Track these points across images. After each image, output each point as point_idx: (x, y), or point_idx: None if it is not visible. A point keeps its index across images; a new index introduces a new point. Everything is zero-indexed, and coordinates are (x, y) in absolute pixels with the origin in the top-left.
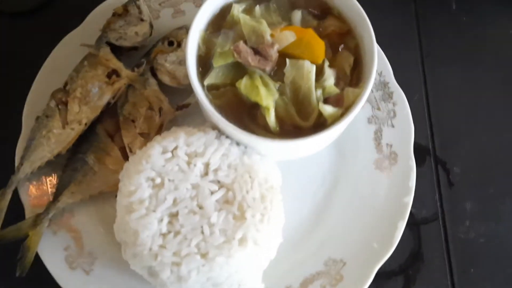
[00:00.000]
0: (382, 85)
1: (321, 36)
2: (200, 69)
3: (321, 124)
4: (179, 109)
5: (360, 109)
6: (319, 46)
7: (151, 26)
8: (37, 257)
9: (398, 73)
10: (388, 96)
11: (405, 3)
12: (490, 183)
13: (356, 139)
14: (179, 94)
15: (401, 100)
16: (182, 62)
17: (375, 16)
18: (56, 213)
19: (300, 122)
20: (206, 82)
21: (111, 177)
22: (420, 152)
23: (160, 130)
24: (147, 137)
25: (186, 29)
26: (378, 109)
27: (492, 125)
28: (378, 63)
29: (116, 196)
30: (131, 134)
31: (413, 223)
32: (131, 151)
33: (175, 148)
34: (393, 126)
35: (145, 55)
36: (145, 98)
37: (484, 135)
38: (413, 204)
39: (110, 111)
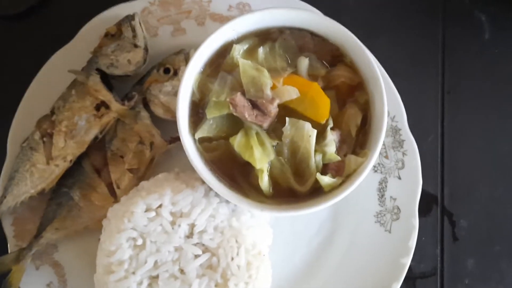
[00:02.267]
0: (394, 131)
1: (329, 86)
2: (192, 118)
3: (318, 190)
4: (172, 142)
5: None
6: (324, 104)
7: (146, 51)
8: None
9: (414, 108)
10: (398, 144)
11: (431, 27)
12: (497, 241)
13: (359, 186)
14: (173, 125)
15: (412, 150)
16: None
17: (395, 39)
18: (40, 248)
19: (296, 186)
20: (197, 136)
21: (97, 213)
22: (427, 200)
23: (150, 164)
24: (136, 172)
25: (184, 54)
26: (386, 157)
27: (509, 178)
28: (392, 105)
29: (99, 239)
30: (119, 170)
31: (409, 277)
32: (118, 187)
33: (160, 206)
34: (399, 178)
35: (137, 83)
36: (135, 132)
37: (498, 188)
38: (412, 256)
39: (97, 145)
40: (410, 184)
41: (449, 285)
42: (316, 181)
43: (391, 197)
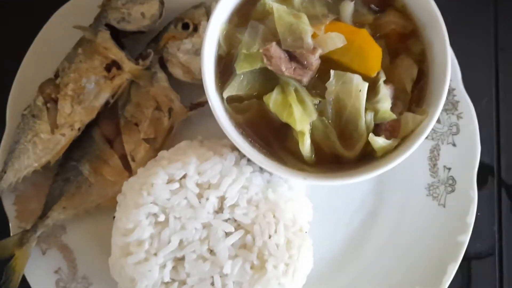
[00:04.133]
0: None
1: (378, 35)
2: (219, 74)
3: (368, 155)
4: (193, 109)
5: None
6: (375, 54)
7: (162, 3)
8: (24, 280)
9: (464, 69)
10: (452, 106)
11: None
12: None
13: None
14: (193, 89)
15: (468, 112)
16: (199, 51)
17: None
18: (46, 229)
19: (342, 151)
20: (226, 94)
21: (109, 189)
22: (482, 172)
23: (169, 133)
24: (153, 143)
25: (205, 8)
26: (438, 121)
27: None
28: None
29: (114, 217)
30: (134, 140)
31: (463, 257)
32: (133, 160)
33: (184, 176)
34: (454, 144)
35: (153, 40)
36: (151, 97)
37: None
38: None
39: (109, 112)
40: (466, 152)
41: (509, 267)
42: (366, 145)
43: (444, 166)
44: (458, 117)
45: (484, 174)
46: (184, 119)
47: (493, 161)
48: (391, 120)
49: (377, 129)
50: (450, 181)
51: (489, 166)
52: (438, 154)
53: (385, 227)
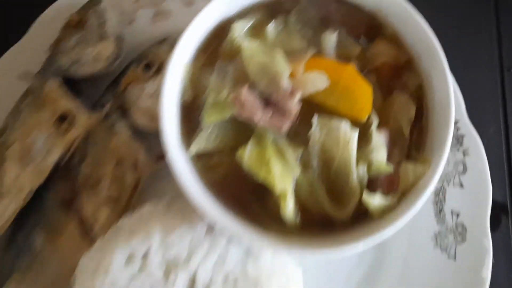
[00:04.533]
0: None
1: (367, 69)
2: (184, 125)
3: (363, 216)
4: (161, 160)
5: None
6: (364, 94)
7: (120, 42)
8: None
9: (467, 96)
10: (456, 141)
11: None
12: None
13: None
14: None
15: (475, 148)
16: None
17: (440, 3)
18: None
19: (332, 211)
20: (192, 151)
21: (68, 262)
22: (494, 211)
23: (135, 191)
24: (116, 204)
25: (170, 44)
26: None
27: None
28: None
29: None
30: (93, 202)
31: None
32: (93, 227)
33: (147, 252)
34: (462, 185)
35: (111, 84)
36: (111, 151)
37: None
38: None
39: (63, 172)
40: (476, 194)
41: None
42: (361, 203)
43: (452, 211)
44: (465, 153)
45: (497, 214)
46: (152, 173)
47: (507, 199)
48: (387, 174)
49: (372, 184)
50: (460, 229)
51: (502, 204)
52: (444, 198)
53: (388, 286)
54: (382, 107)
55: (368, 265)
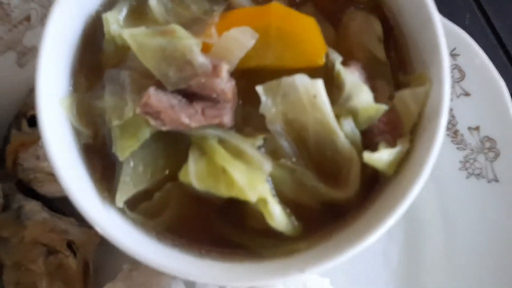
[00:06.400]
0: None
1: (299, 1)
2: (97, 174)
3: (374, 181)
4: None
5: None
6: (308, 31)
7: None
8: None
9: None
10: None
11: None
12: None
13: None
14: None
15: (462, 43)
16: None
17: None
18: None
19: (332, 194)
20: (120, 202)
21: None
22: None
23: (87, 274)
24: None
25: None
26: None
27: None
28: None
29: None
30: None
31: None
32: None
33: None
34: (466, 93)
35: None
36: (31, 244)
37: None
38: None
39: None
40: (487, 94)
41: None
42: (364, 168)
43: (469, 128)
44: (454, 55)
45: None
46: (98, 244)
47: None
48: (382, 116)
49: (369, 138)
50: (488, 144)
51: None
52: (454, 116)
53: (433, 245)
54: (338, 38)
55: (397, 255)
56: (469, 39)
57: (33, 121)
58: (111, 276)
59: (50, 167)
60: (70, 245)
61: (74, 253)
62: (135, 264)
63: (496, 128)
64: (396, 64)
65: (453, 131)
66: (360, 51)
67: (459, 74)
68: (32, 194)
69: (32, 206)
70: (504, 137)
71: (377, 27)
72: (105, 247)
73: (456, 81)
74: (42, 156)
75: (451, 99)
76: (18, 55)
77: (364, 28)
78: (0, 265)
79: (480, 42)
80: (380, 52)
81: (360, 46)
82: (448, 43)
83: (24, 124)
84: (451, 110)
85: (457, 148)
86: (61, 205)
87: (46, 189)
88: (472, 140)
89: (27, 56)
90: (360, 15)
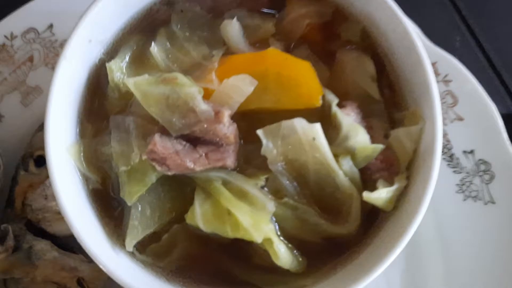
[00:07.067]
0: None
1: (293, 44)
2: (107, 219)
3: (374, 216)
4: None
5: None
6: (304, 74)
7: None
8: None
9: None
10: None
11: None
12: None
13: None
14: None
15: (454, 69)
16: None
17: None
18: None
19: (334, 230)
20: (130, 246)
21: None
22: (507, 126)
23: None
24: None
25: None
26: None
27: None
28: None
29: None
30: None
31: None
32: None
33: None
34: (460, 118)
35: (7, 204)
36: (43, 282)
37: None
38: None
39: None
40: (479, 118)
41: None
42: (364, 204)
43: (464, 151)
44: (446, 82)
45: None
46: (107, 278)
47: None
48: (379, 154)
49: (368, 175)
50: (483, 167)
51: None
52: (448, 140)
53: (433, 267)
54: (333, 79)
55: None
56: (460, 66)
57: (39, 162)
58: None
59: (58, 206)
60: (79, 281)
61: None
62: None
63: (490, 151)
64: (390, 102)
65: (448, 155)
66: (355, 90)
67: (452, 99)
68: (42, 233)
69: (42, 246)
70: (498, 159)
71: (370, 66)
72: (113, 282)
73: (449, 107)
74: (50, 196)
75: (445, 124)
76: (22, 95)
77: (358, 67)
78: None
79: (471, 64)
80: (374, 90)
81: (354, 85)
82: (440, 69)
83: (31, 164)
84: (446, 134)
85: (454, 172)
86: (70, 243)
87: (55, 228)
88: (467, 163)
89: (31, 96)
90: (353, 55)
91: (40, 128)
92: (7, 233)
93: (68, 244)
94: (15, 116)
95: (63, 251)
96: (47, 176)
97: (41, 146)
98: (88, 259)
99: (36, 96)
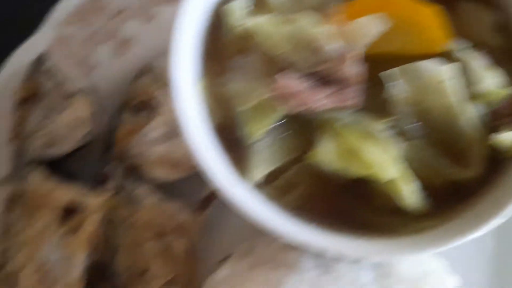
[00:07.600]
0: None
1: None
2: (229, 153)
3: (496, 163)
4: (205, 206)
5: None
6: (432, 18)
7: (91, 96)
8: None
9: None
10: None
11: None
12: None
13: None
14: (187, 182)
15: None
16: (174, 130)
17: None
18: None
19: (458, 174)
20: (255, 175)
21: None
22: None
23: (193, 261)
24: (177, 286)
25: (152, 71)
26: None
27: None
28: None
29: None
30: None
31: None
32: None
33: None
34: None
35: (105, 149)
36: (144, 227)
37: None
38: None
39: (96, 276)
40: None
41: None
42: (487, 150)
43: None
44: None
45: None
46: (202, 228)
47: None
48: (504, 100)
49: (491, 121)
50: None
51: None
52: None
53: None
54: (459, 27)
55: None
56: None
57: (138, 107)
58: (216, 258)
59: (157, 152)
60: (176, 229)
61: (181, 236)
62: (251, 245)
63: None
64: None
65: None
66: (480, 39)
67: None
68: (142, 179)
69: (142, 190)
70: None
71: (494, 17)
72: (209, 230)
73: None
74: (148, 141)
75: None
76: (115, 45)
77: (482, 17)
78: (112, 247)
79: None
80: (499, 40)
81: (479, 34)
82: None
83: (130, 112)
84: None
85: None
86: (169, 189)
87: (154, 174)
88: None
89: (124, 46)
90: (478, 5)
91: (137, 76)
92: (109, 176)
93: (167, 190)
94: (109, 66)
95: (162, 196)
96: (146, 123)
97: (140, 93)
98: (186, 206)
99: (129, 46)
